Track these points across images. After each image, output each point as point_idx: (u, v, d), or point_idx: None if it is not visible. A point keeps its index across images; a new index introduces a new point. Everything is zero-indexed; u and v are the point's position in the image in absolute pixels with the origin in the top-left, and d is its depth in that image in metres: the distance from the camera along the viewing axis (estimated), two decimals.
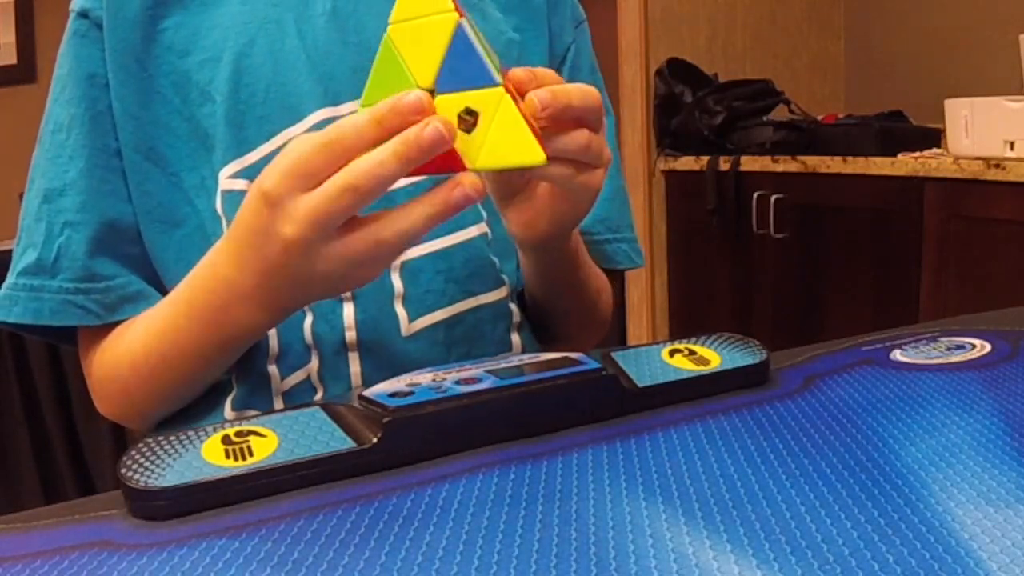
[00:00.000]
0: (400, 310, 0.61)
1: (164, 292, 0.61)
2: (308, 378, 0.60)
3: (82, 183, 0.59)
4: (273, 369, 0.60)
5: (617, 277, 0.76)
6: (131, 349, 0.59)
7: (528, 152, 0.43)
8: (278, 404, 0.60)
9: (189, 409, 0.63)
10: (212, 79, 0.60)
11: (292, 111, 0.60)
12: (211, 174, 0.61)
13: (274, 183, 0.45)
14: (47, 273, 0.58)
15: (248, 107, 0.60)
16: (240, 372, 0.61)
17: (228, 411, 0.61)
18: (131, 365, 0.59)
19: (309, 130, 0.60)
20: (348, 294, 0.60)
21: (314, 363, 0.60)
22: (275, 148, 0.60)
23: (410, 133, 0.42)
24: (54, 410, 1.72)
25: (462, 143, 0.44)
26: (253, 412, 0.61)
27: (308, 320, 0.60)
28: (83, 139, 0.60)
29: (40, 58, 2.55)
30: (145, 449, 0.40)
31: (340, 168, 0.43)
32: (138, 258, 0.62)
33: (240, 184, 0.59)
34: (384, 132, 0.42)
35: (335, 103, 0.61)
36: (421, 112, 0.42)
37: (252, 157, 0.60)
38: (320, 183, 0.43)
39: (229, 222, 0.59)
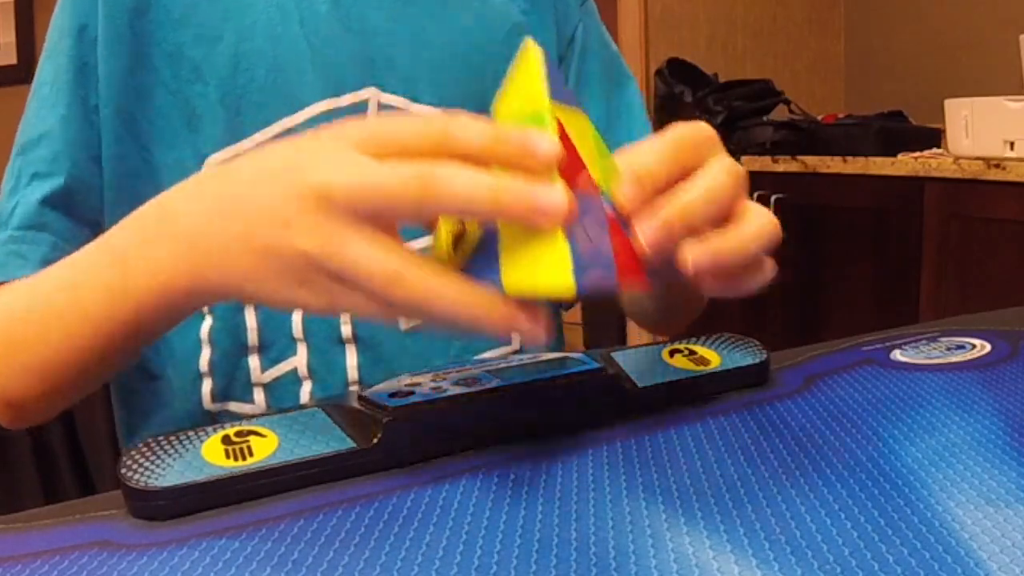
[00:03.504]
0: None
1: None
2: (294, 371, 0.60)
3: (58, 131, 0.58)
4: (253, 360, 0.59)
5: None
6: (5, 302, 0.51)
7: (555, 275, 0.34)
8: (259, 396, 0.60)
9: (170, 404, 0.62)
10: (206, 57, 0.58)
11: (291, 100, 0.59)
12: (192, 155, 0.59)
13: (354, 128, 0.36)
14: (3, 225, 0.57)
15: (245, 92, 0.58)
16: (214, 363, 0.60)
17: (208, 402, 0.60)
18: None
19: (307, 123, 0.59)
20: None
21: (301, 356, 0.59)
22: (270, 138, 0.58)
23: (524, 186, 0.33)
24: None
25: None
26: (235, 404, 0.60)
27: (297, 311, 0.59)
28: (66, 88, 0.58)
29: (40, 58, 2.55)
30: (145, 449, 0.40)
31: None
32: (93, 222, 0.59)
33: None
34: (494, 154, 0.35)
35: (337, 94, 0.59)
36: (544, 165, 0.34)
37: (245, 145, 0.58)
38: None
39: None
